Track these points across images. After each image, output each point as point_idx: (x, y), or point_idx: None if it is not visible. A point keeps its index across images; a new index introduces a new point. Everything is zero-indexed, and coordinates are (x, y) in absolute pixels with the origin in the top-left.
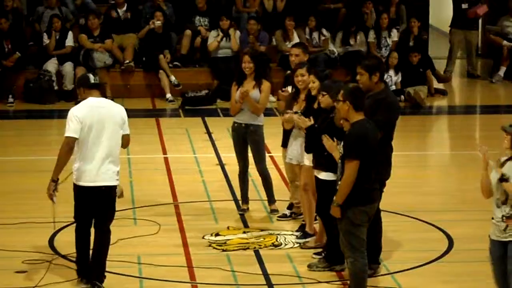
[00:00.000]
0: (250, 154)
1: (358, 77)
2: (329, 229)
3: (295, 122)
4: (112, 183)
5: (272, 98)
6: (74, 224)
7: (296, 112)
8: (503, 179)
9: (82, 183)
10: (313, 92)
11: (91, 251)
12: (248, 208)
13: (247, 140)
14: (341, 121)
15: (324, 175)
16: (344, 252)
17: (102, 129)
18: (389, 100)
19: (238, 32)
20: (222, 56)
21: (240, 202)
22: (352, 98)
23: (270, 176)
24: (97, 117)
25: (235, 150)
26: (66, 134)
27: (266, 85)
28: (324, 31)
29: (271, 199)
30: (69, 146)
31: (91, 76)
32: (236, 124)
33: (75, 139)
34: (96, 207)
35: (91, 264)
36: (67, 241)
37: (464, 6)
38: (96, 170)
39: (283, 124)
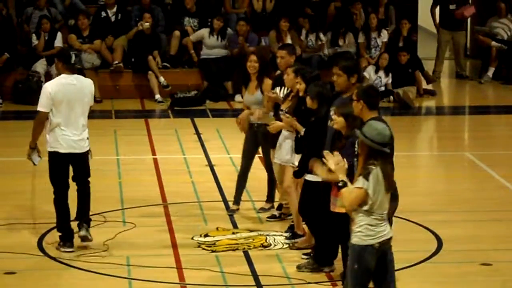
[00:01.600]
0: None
1: (334, 78)
2: (314, 230)
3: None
4: (86, 150)
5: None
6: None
7: (281, 110)
8: (339, 186)
9: (62, 150)
10: (301, 93)
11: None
12: (238, 209)
13: (258, 139)
14: (333, 120)
15: (310, 176)
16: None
17: (74, 103)
18: None
19: (229, 30)
20: (213, 57)
21: (232, 202)
22: (365, 97)
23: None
24: (69, 93)
25: (243, 148)
26: (38, 108)
27: (266, 83)
28: (322, 36)
29: (272, 198)
30: (40, 119)
31: (73, 56)
32: (249, 125)
33: (46, 113)
34: (74, 171)
35: (78, 212)
36: (56, 242)
37: (452, 7)
38: (73, 139)
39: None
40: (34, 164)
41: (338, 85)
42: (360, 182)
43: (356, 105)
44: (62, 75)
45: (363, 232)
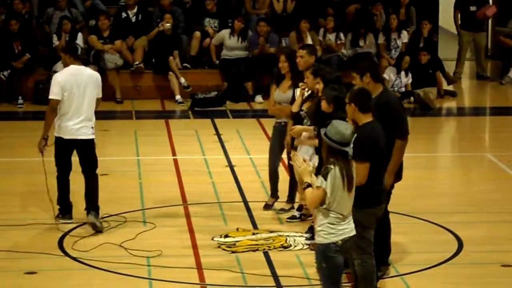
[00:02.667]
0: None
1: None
2: None
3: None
4: (90, 137)
5: None
6: (82, 225)
7: (302, 110)
8: (303, 188)
9: (66, 136)
10: (320, 94)
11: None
12: (275, 201)
13: (283, 138)
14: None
15: None
16: (351, 253)
17: (82, 93)
18: (393, 105)
19: (249, 32)
20: (233, 58)
21: (269, 196)
22: (357, 100)
23: None
24: (77, 83)
25: (271, 147)
26: (50, 97)
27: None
28: (342, 35)
29: (293, 199)
30: (52, 107)
31: (79, 49)
32: (277, 124)
33: (57, 101)
34: (80, 158)
35: (87, 204)
36: (77, 242)
37: (472, 8)
38: (77, 126)
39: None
40: (42, 155)
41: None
42: (319, 181)
43: (348, 108)
44: (71, 66)
45: (325, 230)
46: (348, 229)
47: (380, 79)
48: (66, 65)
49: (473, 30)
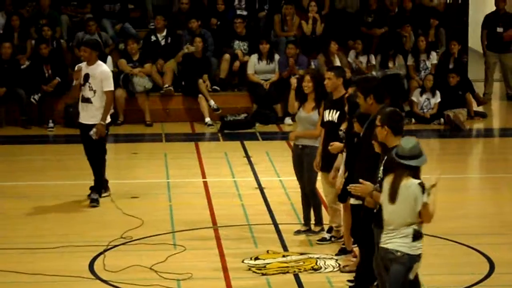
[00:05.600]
0: None
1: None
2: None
3: None
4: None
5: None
6: (114, 249)
7: (340, 131)
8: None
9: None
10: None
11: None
12: (308, 229)
13: (303, 161)
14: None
15: (352, 200)
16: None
17: None
18: None
19: (277, 56)
20: (262, 80)
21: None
22: (390, 122)
23: (319, 198)
24: None
25: (294, 172)
26: (111, 89)
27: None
28: (373, 59)
29: (317, 221)
30: (113, 97)
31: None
32: (294, 146)
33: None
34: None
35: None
36: (107, 265)
37: (499, 29)
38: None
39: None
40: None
41: (360, 106)
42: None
43: (380, 131)
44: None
45: None
46: (383, 240)
47: (384, 100)
48: (90, 61)
49: (499, 51)
